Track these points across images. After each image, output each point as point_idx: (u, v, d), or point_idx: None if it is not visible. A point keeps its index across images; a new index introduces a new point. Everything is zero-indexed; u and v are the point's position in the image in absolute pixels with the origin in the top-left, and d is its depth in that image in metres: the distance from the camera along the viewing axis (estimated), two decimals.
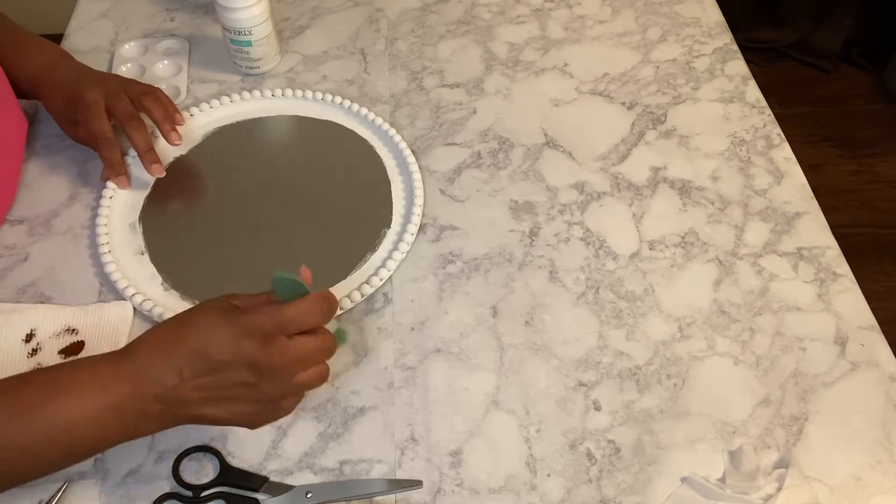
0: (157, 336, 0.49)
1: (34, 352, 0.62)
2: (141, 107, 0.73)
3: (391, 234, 0.71)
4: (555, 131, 0.80)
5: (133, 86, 0.74)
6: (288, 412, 0.52)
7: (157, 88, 0.75)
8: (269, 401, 0.50)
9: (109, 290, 0.67)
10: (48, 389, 0.47)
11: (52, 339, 0.63)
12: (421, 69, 0.86)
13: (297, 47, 0.88)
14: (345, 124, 0.80)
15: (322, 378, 0.51)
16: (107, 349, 0.61)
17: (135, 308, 0.65)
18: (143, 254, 0.69)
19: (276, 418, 0.52)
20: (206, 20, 0.91)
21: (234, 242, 0.71)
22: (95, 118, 0.71)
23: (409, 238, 0.70)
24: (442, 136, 0.80)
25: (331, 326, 0.52)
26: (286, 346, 0.48)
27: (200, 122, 0.80)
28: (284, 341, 0.48)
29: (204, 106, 0.80)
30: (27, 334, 0.63)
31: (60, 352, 0.62)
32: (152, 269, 0.68)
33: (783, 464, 0.58)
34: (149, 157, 0.72)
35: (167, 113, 0.73)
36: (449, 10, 0.93)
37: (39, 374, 0.49)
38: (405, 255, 0.69)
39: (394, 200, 0.74)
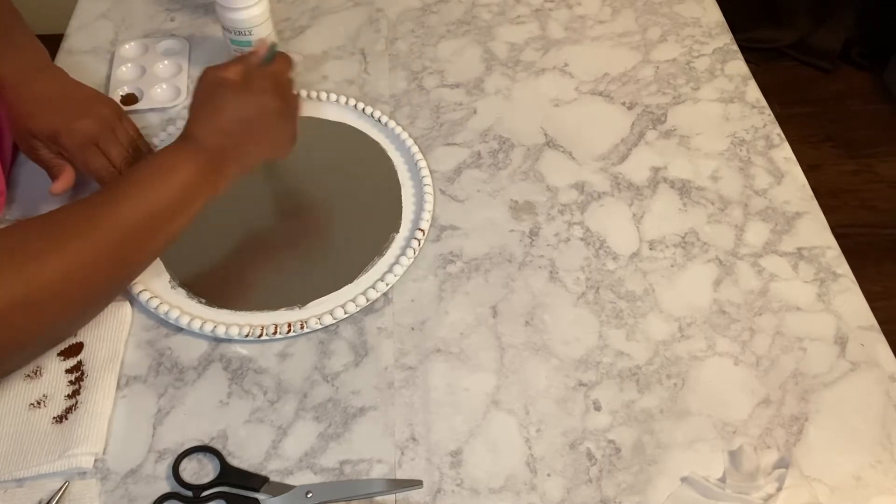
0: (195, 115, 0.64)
1: None
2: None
3: (399, 239, 0.71)
4: (555, 131, 0.80)
5: (121, 131, 0.72)
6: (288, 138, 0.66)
7: (136, 135, 0.74)
8: (275, 109, 0.64)
9: None
10: (148, 176, 0.59)
11: None
12: (421, 69, 0.86)
13: (297, 47, 0.88)
14: (356, 126, 0.80)
15: (295, 100, 0.68)
16: (105, 351, 0.62)
17: (141, 305, 0.66)
18: None
19: (286, 129, 0.66)
20: (206, 20, 0.91)
21: (242, 241, 0.71)
22: (92, 158, 0.69)
23: (416, 244, 0.69)
24: (442, 137, 0.80)
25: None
26: (263, 70, 0.65)
27: None
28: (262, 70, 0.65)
29: None
30: None
31: (59, 353, 0.62)
32: (160, 265, 0.68)
33: (783, 464, 0.58)
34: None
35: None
36: (449, 10, 0.93)
37: (135, 169, 0.60)
38: (412, 260, 0.69)
39: (403, 204, 0.73)
